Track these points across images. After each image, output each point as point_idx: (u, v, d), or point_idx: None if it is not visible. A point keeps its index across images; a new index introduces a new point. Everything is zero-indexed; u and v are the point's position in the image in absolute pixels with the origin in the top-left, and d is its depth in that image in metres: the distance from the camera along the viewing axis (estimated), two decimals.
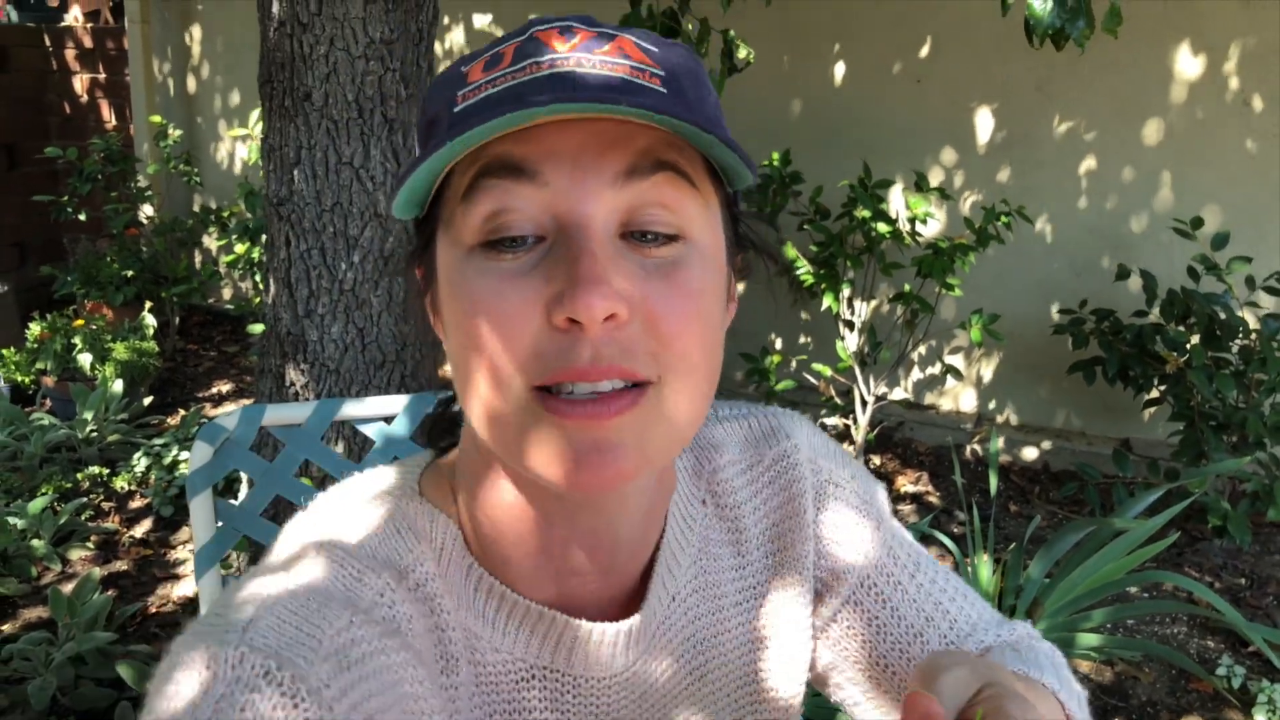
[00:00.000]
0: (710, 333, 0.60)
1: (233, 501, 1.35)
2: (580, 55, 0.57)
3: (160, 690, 0.53)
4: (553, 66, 0.56)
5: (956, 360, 4.01)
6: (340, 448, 2.33)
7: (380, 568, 0.64)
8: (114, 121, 5.68)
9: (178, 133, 4.86)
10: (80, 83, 5.68)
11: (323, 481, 2.20)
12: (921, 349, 4.03)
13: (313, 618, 0.58)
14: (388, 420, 1.41)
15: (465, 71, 0.60)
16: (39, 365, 3.94)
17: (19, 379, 3.93)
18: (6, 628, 2.58)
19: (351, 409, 1.38)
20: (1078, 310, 3.44)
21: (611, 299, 0.54)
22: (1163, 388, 3.20)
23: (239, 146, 5.35)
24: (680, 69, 0.60)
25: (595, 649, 0.69)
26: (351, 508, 0.69)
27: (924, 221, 3.35)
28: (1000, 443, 3.87)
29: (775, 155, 3.68)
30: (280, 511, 2.05)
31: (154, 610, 2.74)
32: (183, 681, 0.53)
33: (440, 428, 0.78)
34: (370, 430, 1.40)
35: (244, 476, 2.56)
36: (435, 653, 0.65)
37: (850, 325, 3.63)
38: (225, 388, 4.48)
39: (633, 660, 0.72)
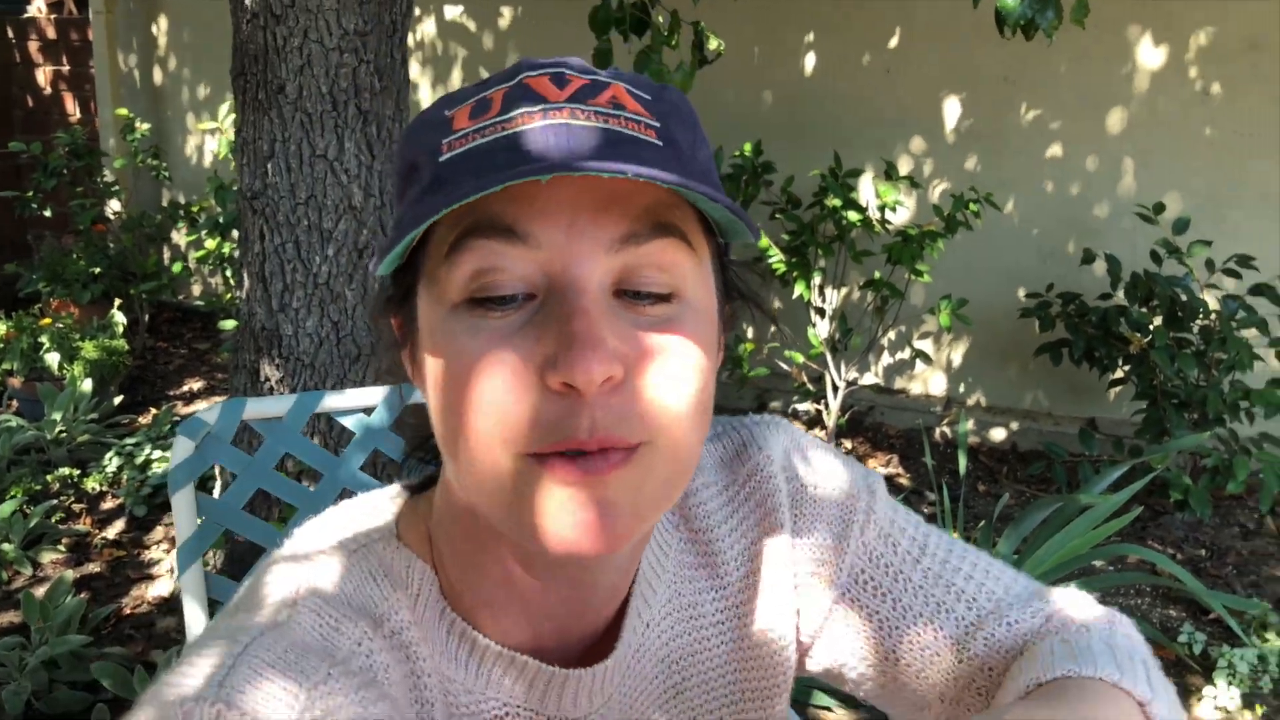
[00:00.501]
0: (702, 393, 0.58)
1: (214, 496, 1.36)
2: (573, 106, 0.55)
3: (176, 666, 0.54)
4: (545, 118, 0.54)
5: (926, 345, 4.06)
6: (316, 441, 2.33)
7: (356, 615, 0.63)
8: (78, 115, 5.62)
9: (145, 126, 4.81)
10: (44, 75, 5.62)
11: (299, 476, 2.21)
12: (891, 335, 4.08)
13: (290, 671, 0.57)
14: (367, 412, 1.42)
15: (450, 116, 0.58)
16: (5, 365, 3.90)
17: None
18: None
19: (332, 401, 1.40)
20: (1044, 294, 3.50)
21: (607, 362, 0.52)
22: (1127, 368, 3.26)
23: (208, 140, 5.30)
24: (674, 119, 0.58)
25: (571, 692, 0.68)
26: (327, 551, 0.68)
27: (893, 209, 3.39)
28: (970, 424, 3.92)
29: (747, 146, 3.70)
30: (255, 506, 2.04)
31: (128, 612, 2.73)
32: None
33: (420, 454, 0.76)
34: (349, 422, 1.41)
35: (218, 473, 2.56)
36: (411, 697, 0.65)
37: (821, 312, 3.67)
38: (197, 385, 4.45)
39: (608, 695, 0.71)
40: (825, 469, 0.80)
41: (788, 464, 0.79)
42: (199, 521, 1.29)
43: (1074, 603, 0.75)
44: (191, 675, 0.55)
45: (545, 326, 0.53)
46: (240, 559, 2.49)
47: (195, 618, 1.27)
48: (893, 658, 0.77)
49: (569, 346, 0.51)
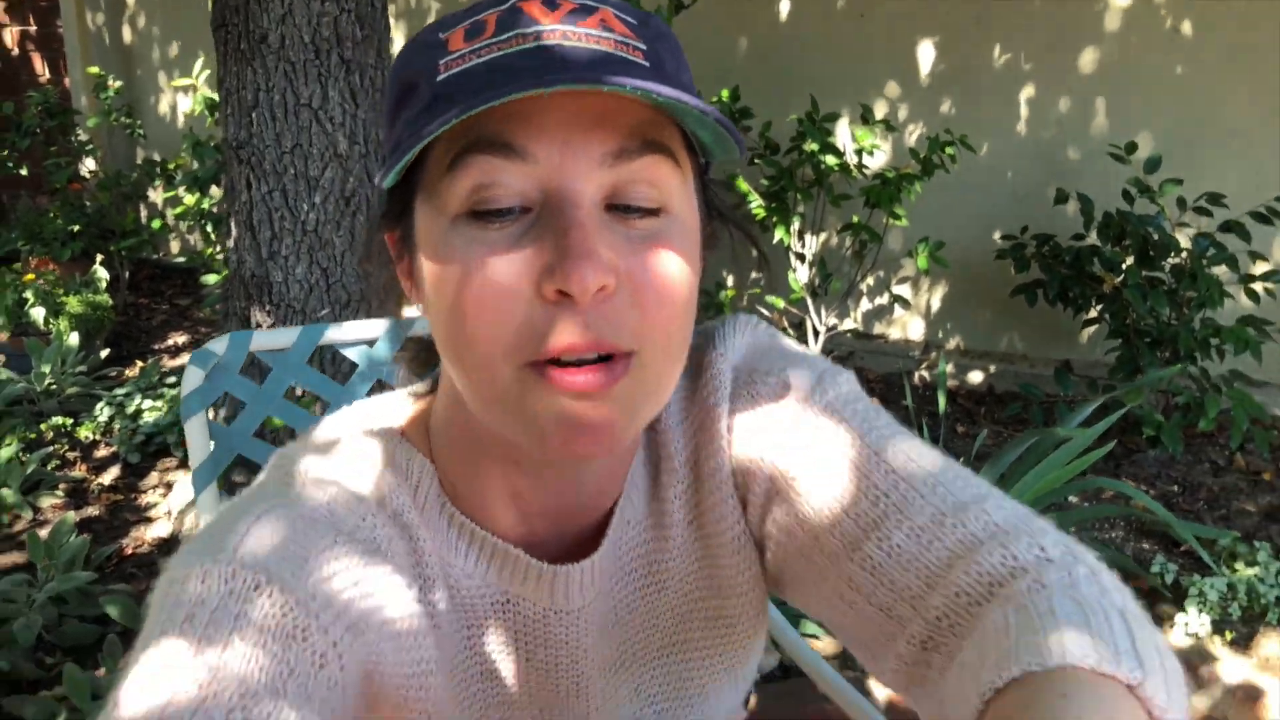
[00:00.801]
0: (688, 304, 0.62)
1: (224, 425, 1.41)
2: (565, 28, 0.57)
3: (158, 605, 0.58)
4: (539, 39, 0.57)
5: (904, 290, 4.13)
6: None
7: (361, 496, 0.68)
8: (48, 75, 5.56)
9: (118, 84, 4.78)
10: (10, 36, 5.54)
11: (299, 399, 2.25)
12: (870, 280, 4.14)
13: (299, 537, 0.62)
14: (370, 344, 1.47)
15: (445, 39, 0.60)
16: None
17: None
18: None
19: (334, 334, 1.44)
20: (1019, 237, 3.56)
21: (601, 271, 0.55)
22: (1100, 307, 3.34)
23: (181, 99, 5.26)
24: (660, 44, 0.61)
25: (563, 585, 0.73)
26: (338, 443, 0.73)
27: (870, 154, 3.43)
28: (949, 368, 4.01)
29: (725, 92, 3.73)
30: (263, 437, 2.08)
31: (130, 552, 2.78)
32: (179, 597, 0.57)
33: (422, 358, 0.82)
34: (353, 354, 1.46)
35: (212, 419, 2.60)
36: (414, 574, 0.69)
37: (801, 258, 3.72)
38: (180, 339, 4.47)
39: (598, 590, 0.75)
40: (782, 364, 0.75)
41: (740, 360, 0.77)
42: (211, 446, 1.33)
43: (1074, 556, 0.62)
44: (207, 541, 0.61)
45: (541, 238, 0.57)
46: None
47: None
48: (824, 556, 0.69)
49: (564, 257, 0.55)
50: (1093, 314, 3.42)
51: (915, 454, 0.68)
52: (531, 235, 0.57)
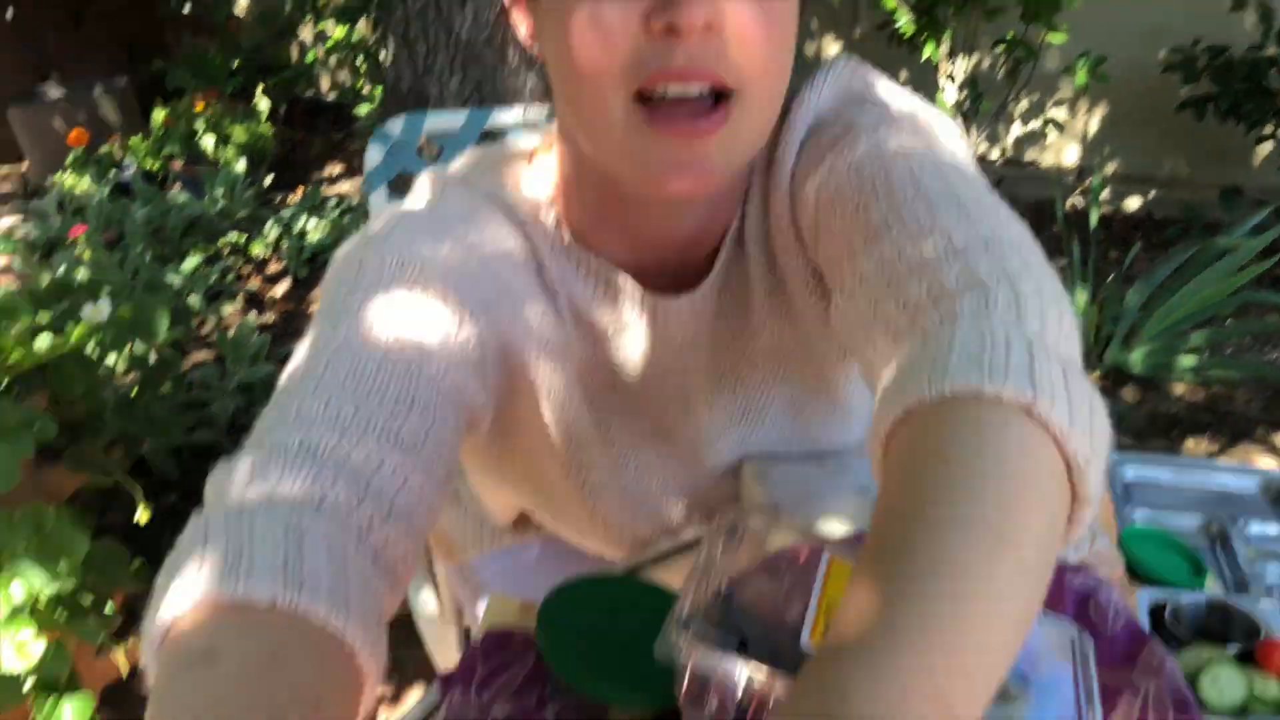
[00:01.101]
0: (789, 50, 0.65)
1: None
2: None
3: (330, 277, 0.73)
4: None
5: (1059, 113, 3.95)
6: None
7: (496, 205, 0.78)
8: None
9: None
10: None
11: None
12: (1025, 103, 3.97)
13: (436, 229, 0.73)
14: (532, 127, 1.54)
15: None
16: (166, 150, 4.15)
17: (148, 165, 4.15)
18: (182, 369, 2.88)
19: (501, 117, 1.51)
20: (1190, 49, 3.34)
21: (708, 6, 0.59)
22: (1275, 124, 3.14)
23: None
24: None
25: (663, 314, 0.81)
26: (470, 164, 0.83)
27: None
28: (1105, 193, 3.85)
29: None
30: None
31: None
32: (338, 275, 0.71)
33: None
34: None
35: None
36: (539, 278, 0.79)
37: (951, 78, 3.59)
38: (337, 170, 4.66)
39: (698, 322, 0.83)
40: (855, 110, 0.75)
41: (825, 104, 0.77)
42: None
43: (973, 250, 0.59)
44: (362, 238, 0.73)
45: None
46: None
47: None
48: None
49: None
50: (1268, 131, 3.22)
51: (936, 177, 0.66)
52: None
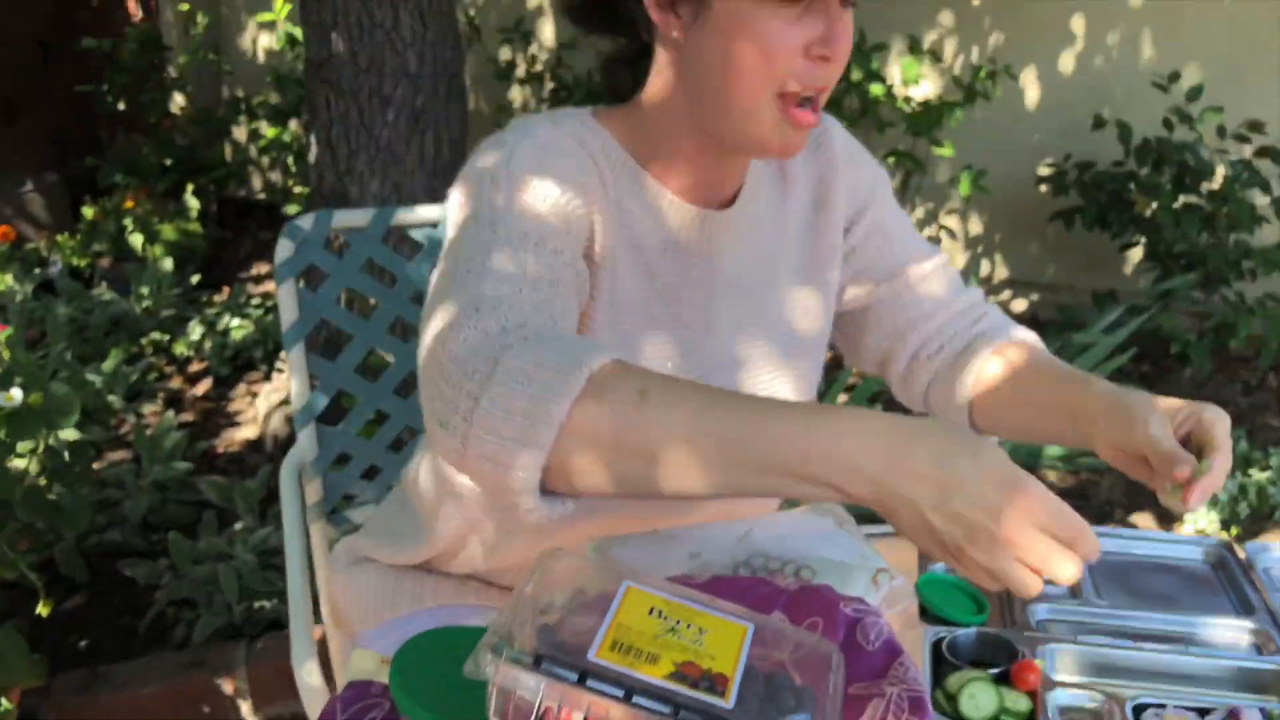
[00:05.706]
0: None
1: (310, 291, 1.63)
2: None
3: (470, 161, 0.98)
4: None
5: (951, 221, 4.23)
6: None
7: (576, 139, 1.00)
8: (140, 14, 5.85)
9: (205, 20, 5.03)
10: None
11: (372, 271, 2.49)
12: (918, 212, 4.25)
13: (550, 149, 0.96)
14: (434, 226, 1.68)
15: None
16: (95, 247, 4.22)
17: (75, 262, 4.21)
18: (96, 466, 2.92)
19: (404, 215, 1.66)
20: (1062, 164, 3.65)
21: (848, 41, 0.92)
22: (1137, 233, 3.43)
23: (262, 36, 5.52)
24: None
25: (707, 228, 1.06)
26: (555, 113, 1.04)
27: (916, 83, 3.54)
28: (1000, 295, 4.12)
29: None
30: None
31: (222, 450, 3.07)
32: (478, 181, 0.96)
33: (618, 72, 1.09)
34: (418, 235, 1.67)
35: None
36: (610, 197, 1.00)
37: None
38: (264, 269, 4.76)
39: (733, 243, 1.08)
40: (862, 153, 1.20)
41: (844, 136, 1.18)
42: (298, 311, 1.56)
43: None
44: (487, 159, 0.96)
45: (815, 19, 0.90)
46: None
47: (300, 387, 1.56)
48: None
49: (835, 37, 0.90)
50: (1136, 239, 3.51)
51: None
52: (809, 15, 0.90)
